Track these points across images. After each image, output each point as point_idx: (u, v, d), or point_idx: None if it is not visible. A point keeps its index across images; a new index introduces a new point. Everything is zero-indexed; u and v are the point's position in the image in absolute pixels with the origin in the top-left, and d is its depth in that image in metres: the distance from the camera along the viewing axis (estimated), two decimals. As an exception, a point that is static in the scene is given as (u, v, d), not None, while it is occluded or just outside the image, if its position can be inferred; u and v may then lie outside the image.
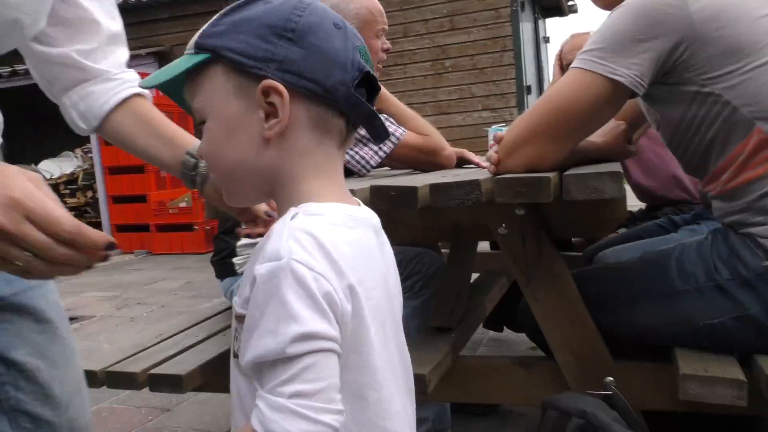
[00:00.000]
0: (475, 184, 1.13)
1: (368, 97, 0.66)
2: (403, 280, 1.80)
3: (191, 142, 1.02)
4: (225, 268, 1.90)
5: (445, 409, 1.77)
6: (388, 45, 2.04)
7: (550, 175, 1.12)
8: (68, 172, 8.08)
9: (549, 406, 1.17)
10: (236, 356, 0.63)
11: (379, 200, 1.20)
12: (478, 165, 1.90)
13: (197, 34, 0.65)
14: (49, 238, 0.56)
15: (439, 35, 7.06)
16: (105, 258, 0.59)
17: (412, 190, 1.16)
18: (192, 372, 1.42)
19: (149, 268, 6.01)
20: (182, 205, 6.63)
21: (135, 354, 1.54)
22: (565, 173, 1.13)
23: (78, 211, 7.54)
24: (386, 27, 2.01)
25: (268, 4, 0.63)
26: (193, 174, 1.00)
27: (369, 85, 0.66)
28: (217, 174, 0.66)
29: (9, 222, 0.54)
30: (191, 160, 0.99)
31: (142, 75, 1.01)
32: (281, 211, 0.64)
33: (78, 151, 8.26)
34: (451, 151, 1.88)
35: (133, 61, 1.12)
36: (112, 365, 1.46)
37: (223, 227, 1.95)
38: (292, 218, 0.60)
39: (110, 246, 0.59)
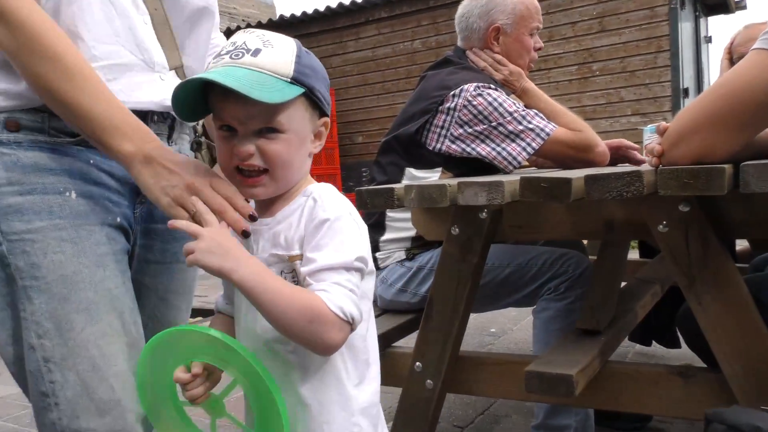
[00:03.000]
0: (636, 175, 1.07)
1: None
2: (548, 281, 1.76)
3: None
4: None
5: (589, 417, 1.68)
6: (540, 44, 1.99)
7: (724, 165, 1.02)
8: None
9: (714, 419, 1.07)
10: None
11: (530, 192, 1.16)
12: (638, 162, 1.79)
13: (292, 68, 0.83)
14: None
15: (587, 38, 6.79)
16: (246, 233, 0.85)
17: (566, 181, 1.12)
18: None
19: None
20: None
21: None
22: (743, 163, 1.03)
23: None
24: (540, 26, 1.96)
25: (314, 56, 0.88)
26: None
27: None
28: (280, 169, 0.86)
29: (200, 184, 0.85)
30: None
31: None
32: (292, 197, 0.89)
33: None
34: (604, 148, 1.80)
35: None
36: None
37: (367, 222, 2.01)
38: (322, 189, 0.88)
39: (253, 217, 0.85)
